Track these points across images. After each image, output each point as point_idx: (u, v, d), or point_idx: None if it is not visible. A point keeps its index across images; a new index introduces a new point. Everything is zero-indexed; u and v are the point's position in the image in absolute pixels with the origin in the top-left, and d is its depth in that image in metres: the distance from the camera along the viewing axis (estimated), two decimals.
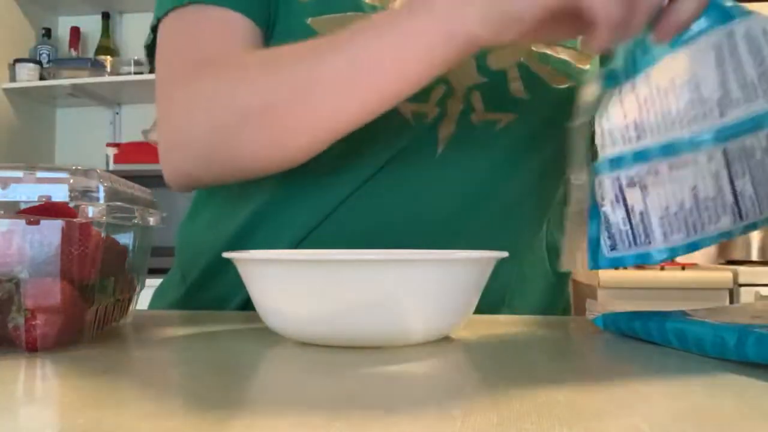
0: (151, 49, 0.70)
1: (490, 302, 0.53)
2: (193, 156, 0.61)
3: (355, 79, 0.53)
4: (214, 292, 0.70)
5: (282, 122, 0.56)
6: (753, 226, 0.51)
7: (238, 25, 0.64)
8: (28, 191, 0.40)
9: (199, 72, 0.61)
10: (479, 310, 0.50)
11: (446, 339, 0.47)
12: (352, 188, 0.64)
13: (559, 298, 0.75)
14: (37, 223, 0.40)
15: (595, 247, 0.50)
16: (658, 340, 0.46)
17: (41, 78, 2.54)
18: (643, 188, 0.48)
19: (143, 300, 0.62)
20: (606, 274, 1.80)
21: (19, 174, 0.40)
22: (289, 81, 0.55)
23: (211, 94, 0.59)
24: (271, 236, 0.66)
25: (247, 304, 0.67)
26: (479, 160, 0.65)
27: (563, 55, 0.69)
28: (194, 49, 0.63)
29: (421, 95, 0.58)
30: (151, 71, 2.50)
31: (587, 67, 0.71)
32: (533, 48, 0.67)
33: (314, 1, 0.65)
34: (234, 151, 0.58)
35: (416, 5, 0.52)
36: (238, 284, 0.64)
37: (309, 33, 0.63)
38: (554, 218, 0.74)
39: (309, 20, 0.64)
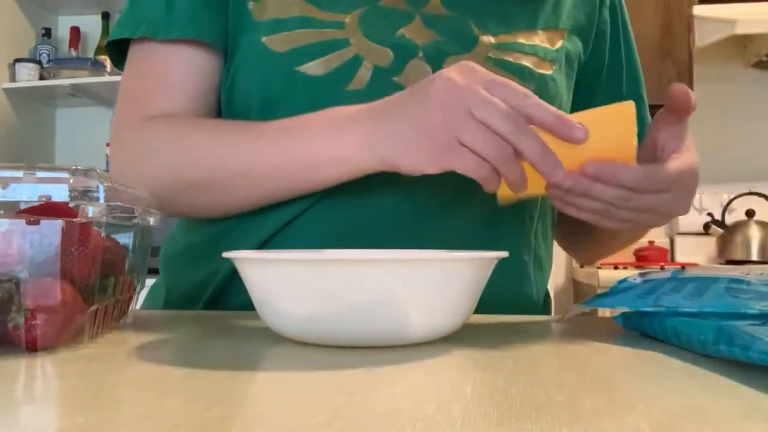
0: (109, 50, 0.74)
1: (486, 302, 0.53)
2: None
3: (287, 175, 0.61)
4: (185, 290, 0.71)
5: (219, 194, 0.64)
6: None
7: (191, 57, 0.68)
8: (28, 191, 0.40)
9: (146, 128, 0.66)
10: (479, 310, 0.50)
11: (446, 339, 0.47)
12: (322, 192, 0.64)
13: (537, 291, 0.74)
14: (37, 223, 0.40)
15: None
16: (660, 335, 0.46)
17: (41, 78, 2.55)
18: None
19: (141, 301, 0.62)
20: (605, 274, 1.79)
21: (19, 174, 0.40)
22: (231, 163, 0.62)
23: (154, 159, 0.65)
24: (239, 239, 0.67)
25: (212, 303, 0.69)
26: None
27: (523, 61, 0.68)
28: (143, 99, 0.68)
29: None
30: None
31: (549, 72, 0.70)
32: (490, 54, 0.67)
33: (269, 20, 0.66)
34: (174, 206, 0.66)
35: (344, 123, 0.58)
36: (207, 282, 0.68)
37: (265, 51, 0.66)
38: (540, 230, 0.74)
39: (264, 39, 0.65)
